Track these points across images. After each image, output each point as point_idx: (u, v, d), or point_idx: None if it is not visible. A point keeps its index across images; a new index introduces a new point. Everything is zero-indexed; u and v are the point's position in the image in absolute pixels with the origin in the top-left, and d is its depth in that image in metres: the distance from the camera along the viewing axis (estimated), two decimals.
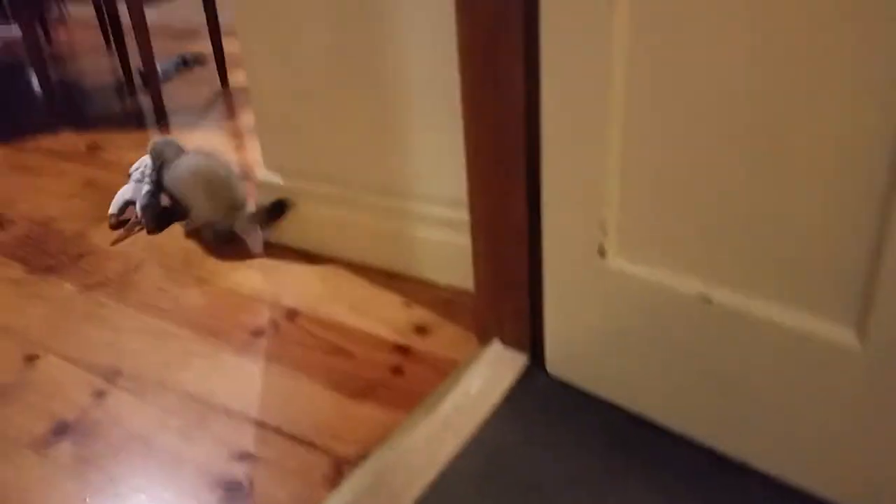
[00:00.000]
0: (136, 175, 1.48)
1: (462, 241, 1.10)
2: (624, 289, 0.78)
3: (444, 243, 1.13)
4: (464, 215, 1.09)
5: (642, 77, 0.67)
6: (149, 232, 1.41)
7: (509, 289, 0.91)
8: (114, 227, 1.44)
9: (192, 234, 1.38)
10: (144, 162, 1.47)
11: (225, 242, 1.33)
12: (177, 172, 1.36)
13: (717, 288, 0.71)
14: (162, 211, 1.42)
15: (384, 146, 1.14)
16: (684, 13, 0.62)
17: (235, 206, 1.31)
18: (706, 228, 0.69)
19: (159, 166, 1.40)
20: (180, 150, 1.40)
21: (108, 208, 1.45)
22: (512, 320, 0.93)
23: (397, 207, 1.16)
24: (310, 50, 1.13)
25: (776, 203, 0.64)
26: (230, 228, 1.31)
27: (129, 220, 1.45)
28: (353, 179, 1.20)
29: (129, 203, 1.46)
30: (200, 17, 2.81)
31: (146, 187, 1.43)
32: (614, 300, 0.79)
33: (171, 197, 1.40)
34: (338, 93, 1.14)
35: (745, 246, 0.67)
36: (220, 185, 1.32)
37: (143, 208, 1.41)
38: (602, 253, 0.78)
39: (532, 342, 0.92)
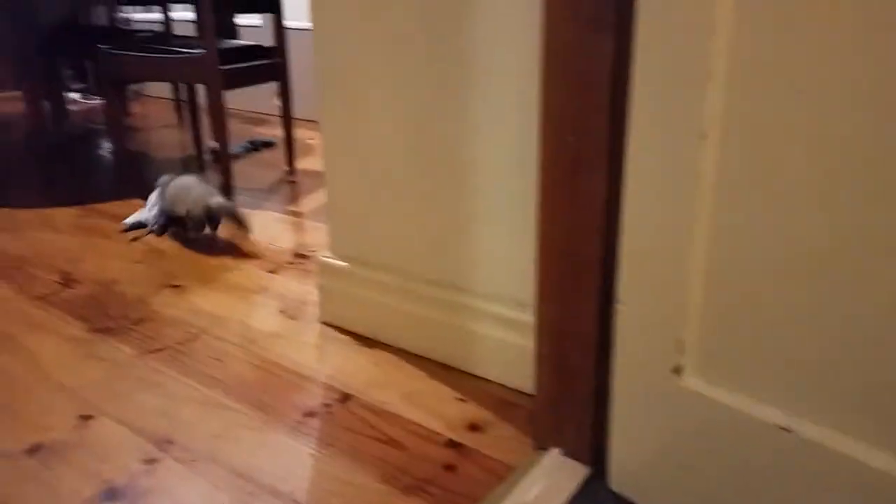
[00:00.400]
0: (148, 205, 1.93)
1: (521, 342, 1.10)
2: (698, 410, 0.76)
3: (502, 341, 1.13)
4: (524, 316, 1.09)
5: (730, 199, 0.69)
6: (157, 234, 1.87)
7: (573, 398, 0.90)
8: (123, 231, 1.89)
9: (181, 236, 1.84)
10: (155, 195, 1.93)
11: (200, 231, 1.80)
12: (168, 190, 1.85)
13: (800, 418, 0.69)
14: (165, 222, 1.86)
15: (450, 241, 1.16)
16: (776, 136, 0.64)
17: (206, 202, 1.78)
18: (791, 355, 0.69)
19: (162, 190, 1.87)
20: (174, 178, 1.89)
21: (170, 277, 1.50)
22: (574, 430, 0.91)
23: (458, 302, 1.17)
24: (386, 143, 1.18)
25: (873, 332, 0.63)
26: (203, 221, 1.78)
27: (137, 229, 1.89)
28: (415, 270, 1.22)
29: (138, 224, 1.90)
30: (268, 105, 2.95)
31: (155, 209, 1.89)
32: (687, 420, 0.78)
33: (169, 213, 1.83)
34: (410, 186, 1.18)
35: (834, 377, 0.66)
36: (192, 188, 1.82)
37: (154, 219, 1.88)
38: (678, 371, 0.77)
39: (594, 454, 0.90)
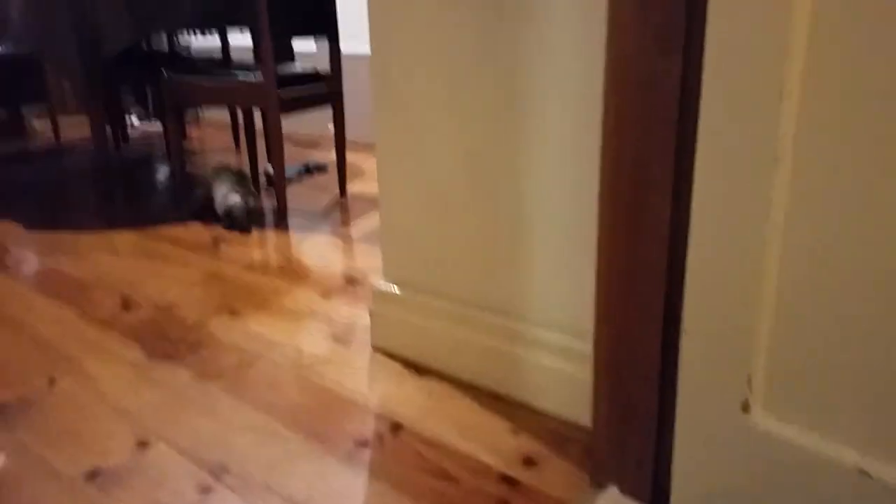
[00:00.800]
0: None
1: (577, 372, 1.07)
2: (767, 449, 0.73)
3: (557, 372, 1.10)
4: (581, 345, 1.07)
5: (804, 225, 0.66)
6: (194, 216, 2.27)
7: (634, 434, 0.87)
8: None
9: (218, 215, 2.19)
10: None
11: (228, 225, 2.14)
12: (212, 183, 2.24)
13: (880, 461, 0.65)
14: (198, 209, 2.26)
15: (505, 267, 1.15)
16: (851, 160, 0.61)
17: (238, 187, 2.15)
18: (868, 392, 0.65)
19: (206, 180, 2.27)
20: (220, 171, 2.26)
21: (226, 301, 1.52)
22: (634, 467, 0.88)
23: (512, 329, 1.15)
24: (442, 168, 1.18)
25: None
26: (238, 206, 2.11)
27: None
28: (469, 297, 1.21)
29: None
30: (320, 129, 2.99)
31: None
32: (755, 460, 0.74)
33: (203, 201, 2.26)
34: (464, 211, 1.17)
35: None
36: (224, 185, 2.18)
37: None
38: (745, 407, 0.73)
39: (654, 492, 0.87)
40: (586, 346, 1.06)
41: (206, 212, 2.23)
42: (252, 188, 2.22)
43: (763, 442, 0.73)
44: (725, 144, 0.70)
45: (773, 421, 0.73)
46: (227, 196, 2.15)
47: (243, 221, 2.11)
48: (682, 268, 0.76)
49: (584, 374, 1.07)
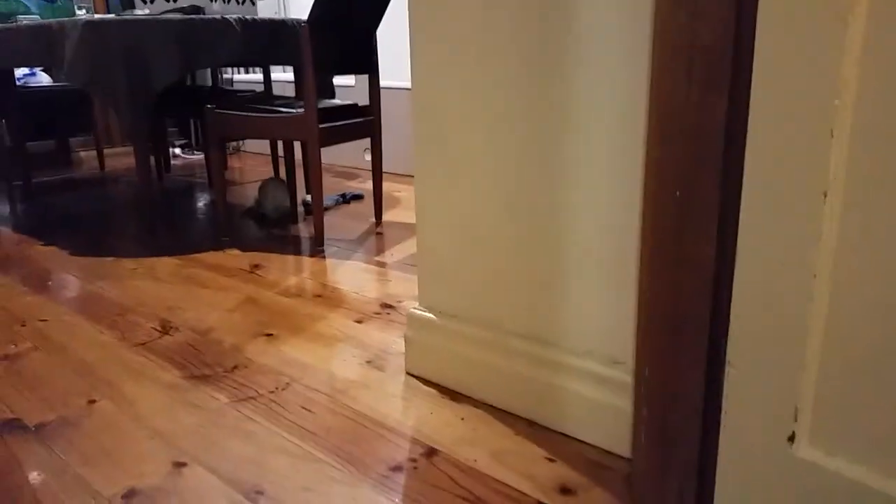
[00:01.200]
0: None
1: (615, 401, 1.06)
2: (814, 482, 0.71)
3: (594, 400, 1.09)
4: (619, 374, 1.05)
5: (853, 259, 0.64)
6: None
7: (675, 464, 0.85)
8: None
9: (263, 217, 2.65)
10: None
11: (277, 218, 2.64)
12: (264, 190, 2.68)
13: None
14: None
15: (542, 294, 1.14)
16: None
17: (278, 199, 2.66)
18: None
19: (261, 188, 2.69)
20: (269, 181, 2.71)
21: (263, 326, 1.54)
22: (675, 500, 0.85)
23: (548, 357, 1.14)
24: (479, 195, 1.18)
25: None
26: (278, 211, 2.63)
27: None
28: (505, 324, 1.20)
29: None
30: (356, 160, 3.03)
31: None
32: (801, 493, 0.72)
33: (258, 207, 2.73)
34: (501, 239, 1.17)
35: None
36: (270, 192, 2.65)
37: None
38: (792, 440, 0.71)
39: None
40: (624, 375, 1.05)
41: (258, 215, 2.73)
42: (287, 190, 2.69)
43: (809, 475, 0.71)
44: (772, 180, 0.69)
45: (819, 454, 0.70)
46: (269, 202, 2.66)
47: (281, 213, 2.67)
48: (727, 301, 0.75)
49: (622, 403, 1.05)
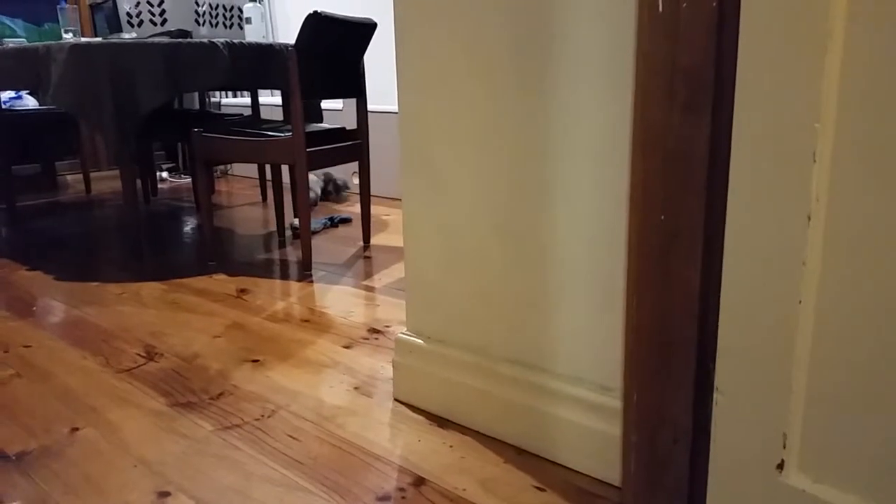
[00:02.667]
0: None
1: (605, 428, 1.05)
2: None
3: (583, 427, 1.08)
4: (608, 400, 1.05)
5: (838, 283, 0.64)
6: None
7: (664, 492, 0.84)
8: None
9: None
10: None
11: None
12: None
13: None
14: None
15: (530, 320, 1.14)
16: (885, 219, 0.60)
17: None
18: None
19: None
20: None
21: (249, 352, 1.52)
22: None
23: (537, 383, 1.14)
24: (467, 219, 1.18)
25: None
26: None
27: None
28: (494, 350, 1.20)
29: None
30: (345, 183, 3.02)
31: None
32: None
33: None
34: (490, 263, 1.17)
35: None
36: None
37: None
38: (781, 467, 0.71)
39: None
40: (613, 401, 1.04)
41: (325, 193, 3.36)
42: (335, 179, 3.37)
43: (798, 502, 0.70)
44: (756, 203, 0.69)
45: (808, 481, 0.70)
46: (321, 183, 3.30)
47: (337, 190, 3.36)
48: (714, 326, 0.75)
49: (611, 429, 1.04)
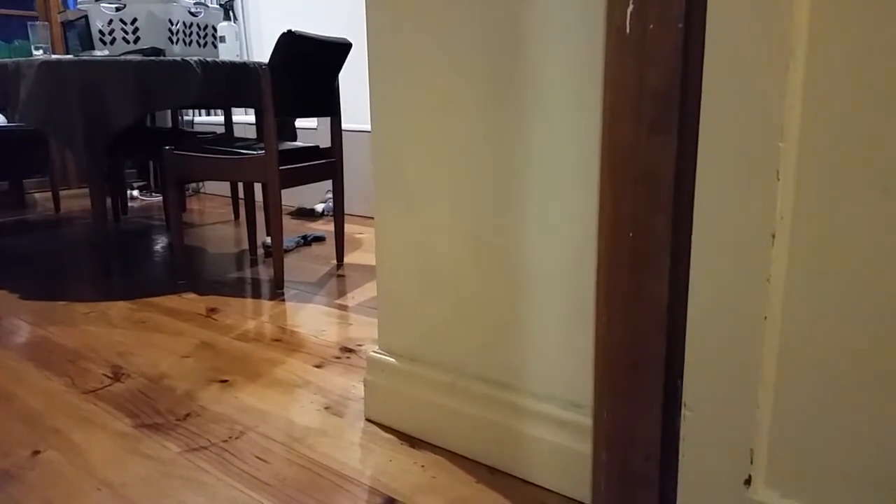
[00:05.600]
0: None
1: (576, 446, 1.05)
2: None
3: (555, 445, 1.08)
4: (580, 418, 1.05)
5: (802, 300, 0.65)
6: None
7: None
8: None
9: None
10: None
11: None
12: None
13: None
14: None
15: (502, 338, 1.13)
16: (848, 236, 0.61)
17: None
18: (872, 468, 0.63)
19: None
20: None
21: (218, 372, 1.49)
22: None
23: (508, 401, 1.13)
24: (439, 238, 1.18)
25: None
26: None
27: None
28: (466, 368, 1.19)
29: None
30: (318, 201, 3.02)
31: None
32: None
33: None
34: (461, 282, 1.17)
35: None
36: None
37: None
38: (748, 483, 0.71)
39: None
40: (585, 419, 1.04)
41: None
42: None
43: None
44: (721, 221, 0.70)
45: (775, 496, 0.70)
46: None
47: None
48: (682, 343, 0.75)
49: (583, 447, 1.04)
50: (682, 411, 0.75)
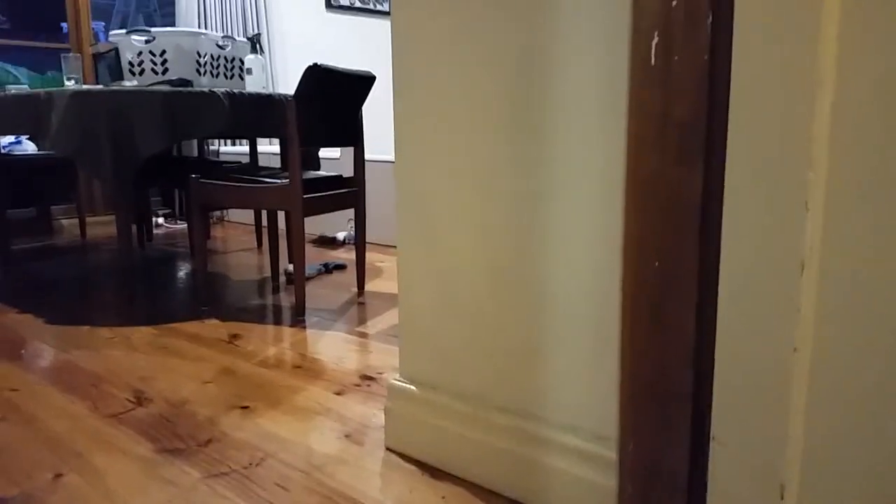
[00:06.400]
0: None
1: (600, 479, 1.03)
2: None
3: (579, 478, 1.06)
4: (604, 451, 1.03)
5: (832, 331, 0.64)
6: None
7: None
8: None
9: None
10: None
11: None
12: None
13: None
14: None
15: (525, 367, 1.13)
16: (880, 266, 0.61)
17: None
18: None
19: None
20: None
21: (239, 398, 1.50)
22: None
23: (532, 432, 1.12)
24: (462, 266, 1.18)
25: None
26: None
27: None
28: (488, 398, 1.18)
29: None
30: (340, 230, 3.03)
31: None
32: None
33: None
34: (484, 310, 1.17)
35: None
36: None
37: None
38: None
39: None
40: (609, 452, 1.03)
41: None
42: None
43: None
44: (749, 252, 0.70)
45: None
46: None
47: None
48: (711, 374, 0.74)
49: (607, 480, 1.02)
50: (711, 444, 0.74)
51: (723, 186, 0.72)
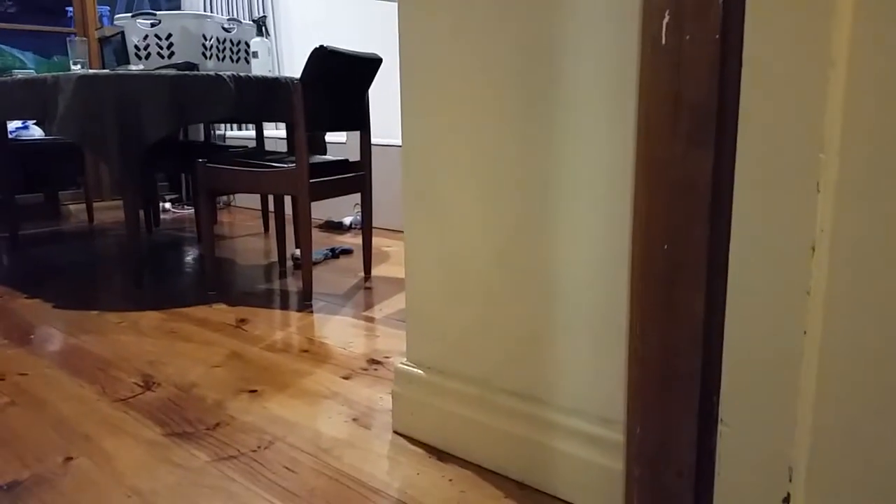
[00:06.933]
0: None
1: (607, 462, 1.03)
2: None
3: (586, 461, 1.06)
4: (611, 434, 1.03)
5: (843, 312, 0.64)
6: None
7: None
8: None
9: None
10: None
11: None
12: None
13: None
14: None
15: (532, 350, 1.13)
16: (891, 248, 0.60)
17: None
18: None
19: None
20: None
21: (247, 382, 1.50)
22: None
23: (538, 416, 1.12)
24: (469, 250, 1.18)
25: None
26: None
27: None
28: (495, 382, 1.18)
29: None
30: (347, 214, 3.02)
31: None
32: None
33: None
34: (491, 294, 1.16)
35: None
36: None
37: None
38: (787, 501, 0.69)
39: None
40: (616, 435, 1.03)
41: None
42: None
43: None
44: (760, 233, 0.69)
45: None
46: None
47: None
48: (719, 357, 0.74)
49: (614, 463, 1.03)
50: (719, 427, 0.74)
51: (733, 167, 0.71)
